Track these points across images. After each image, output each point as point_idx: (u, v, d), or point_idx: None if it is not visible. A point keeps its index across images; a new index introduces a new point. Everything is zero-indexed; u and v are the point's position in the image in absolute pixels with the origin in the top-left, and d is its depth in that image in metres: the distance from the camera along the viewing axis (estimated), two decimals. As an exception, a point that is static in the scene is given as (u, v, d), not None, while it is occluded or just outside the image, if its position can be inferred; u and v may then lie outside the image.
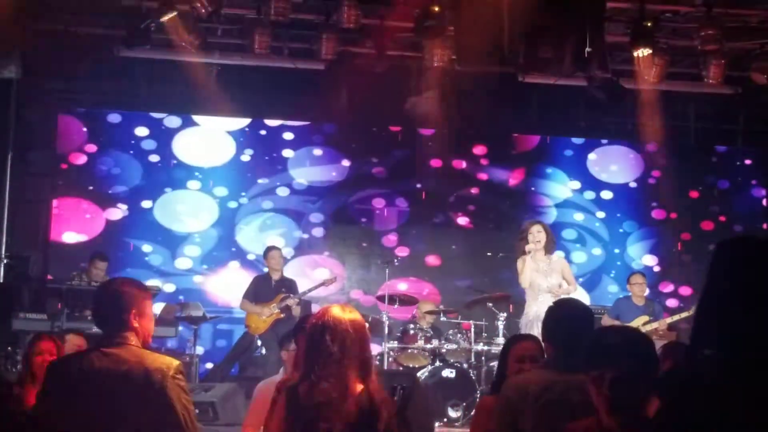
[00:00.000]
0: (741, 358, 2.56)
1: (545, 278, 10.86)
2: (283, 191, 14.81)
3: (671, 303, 14.55)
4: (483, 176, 15.18)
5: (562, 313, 4.97)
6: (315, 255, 14.69)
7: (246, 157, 14.79)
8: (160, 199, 14.48)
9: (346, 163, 14.95)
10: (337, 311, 4.46)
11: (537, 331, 9.56)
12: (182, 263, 14.35)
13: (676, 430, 2.66)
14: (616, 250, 15.20)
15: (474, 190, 15.16)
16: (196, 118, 14.69)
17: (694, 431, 2.60)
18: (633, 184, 15.50)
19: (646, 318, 12.24)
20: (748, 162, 15.47)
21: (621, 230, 15.30)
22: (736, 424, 2.52)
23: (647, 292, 12.87)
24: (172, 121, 14.69)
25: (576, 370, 3.96)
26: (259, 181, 14.82)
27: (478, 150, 15.25)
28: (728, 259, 2.74)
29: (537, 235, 10.95)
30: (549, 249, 11.04)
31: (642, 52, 11.92)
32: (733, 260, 2.73)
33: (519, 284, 11.02)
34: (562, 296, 10.09)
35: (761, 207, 15.46)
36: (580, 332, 4.55)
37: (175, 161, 14.60)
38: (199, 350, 12.96)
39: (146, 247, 14.31)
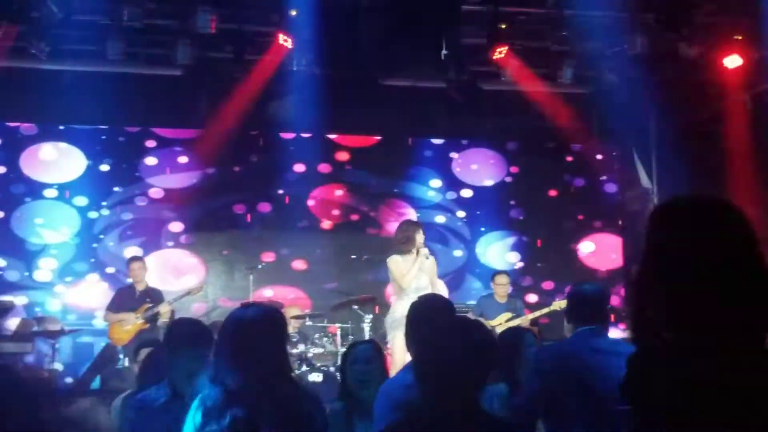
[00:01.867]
0: (700, 341, 2.42)
1: (416, 279, 10.90)
2: (143, 200, 14.49)
3: (533, 298, 14.75)
4: (345, 179, 15.14)
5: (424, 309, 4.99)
6: (178, 263, 14.42)
7: (105, 166, 14.42)
8: (17, 210, 14.02)
9: (207, 169, 14.71)
10: None
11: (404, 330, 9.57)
12: (39, 276, 13.90)
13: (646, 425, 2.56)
14: (478, 249, 15.33)
15: (338, 193, 15.10)
16: (52, 126, 14.27)
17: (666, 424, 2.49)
18: (493, 184, 15.65)
19: (509, 315, 12.39)
20: (599, 157, 15.75)
21: (482, 229, 15.43)
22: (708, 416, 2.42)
23: (510, 289, 13.02)
24: (28, 129, 14.25)
25: None
26: (118, 189, 14.46)
27: (341, 154, 15.19)
28: (667, 229, 2.57)
29: (420, 237, 11.02)
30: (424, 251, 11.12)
31: (498, 54, 12.04)
32: (673, 225, 2.56)
33: (394, 284, 11.01)
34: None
35: (615, 202, 15.79)
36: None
37: (27, 171, 14.15)
38: (59, 365, 12.56)
39: (0, 261, 13.85)
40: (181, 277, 14.26)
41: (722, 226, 2.51)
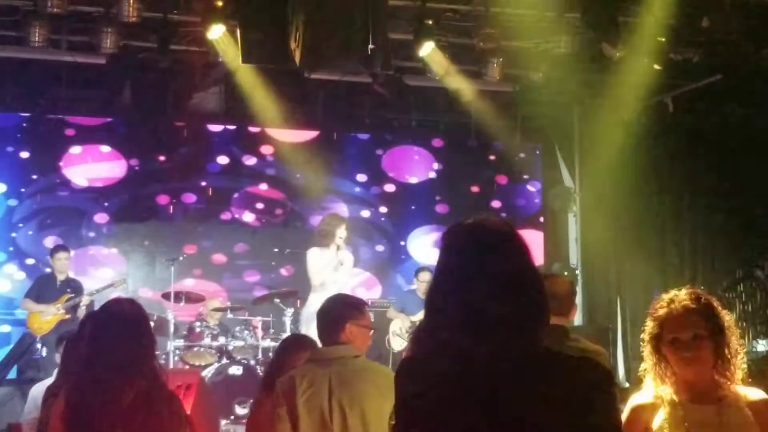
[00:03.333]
0: (479, 343, 2.61)
1: (334, 272, 10.94)
2: (64, 189, 14.30)
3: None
4: (270, 172, 15.08)
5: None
6: (98, 254, 14.24)
7: (25, 153, 14.19)
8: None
9: (130, 159, 14.56)
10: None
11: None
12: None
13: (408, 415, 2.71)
14: (402, 244, 15.37)
15: (261, 187, 15.03)
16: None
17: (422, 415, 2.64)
18: (416, 180, 15.72)
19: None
20: (522, 155, 15.88)
21: (407, 225, 15.48)
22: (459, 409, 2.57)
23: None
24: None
25: None
26: (36, 177, 14.24)
27: (265, 148, 15.13)
28: (457, 244, 2.80)
29: (343, 232, 11.05)
30: (344, 247, 11.17)
31: (424, 50, 12.08)
32: (453, 243, 2.79)
33: (309, 278, 11.03)
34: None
35: (537, 200, 15.94)
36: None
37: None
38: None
39: None
40: (101, 267, 14.08)
41: (501, 247, 2.73)
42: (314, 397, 4.79)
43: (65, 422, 4.25)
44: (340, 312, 5.13)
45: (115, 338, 4.31)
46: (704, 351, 3.94)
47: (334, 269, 10.95)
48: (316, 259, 10.99)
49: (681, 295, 4.04)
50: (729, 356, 3.97)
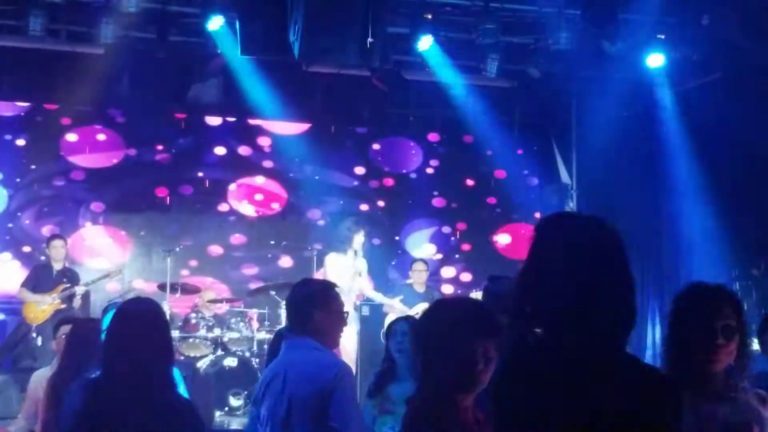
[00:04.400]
0: (565, 339, 2.60)
1: (352, 280, 11.05)
2: (61, 178, 14.31)
3: (449, 290, 14.87)
4: (268, 164, 15.09)
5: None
6: (94, 244, 14.25)
7: (22, 142, 14.20)
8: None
9: (128, 149, 14.58)
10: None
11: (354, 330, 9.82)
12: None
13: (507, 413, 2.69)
14: (396, 238, 15.38)
15: (259, 179, 15.04)
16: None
17: (522, 414, 2.63)
18: (414, 174, 15.75)
19: (426, 305, 12.47)
20: (519, 152, 15.91)
21: (403, 219, 15.49)
22: (561, 411, 2.56)
23: (426, 277, 13.16)
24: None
25: None
26: (35, 167, 14.25)
27: (263, 140, 15.15)
28: (548, 237, 2.76)
29: (361, 238, 11.15)
30: (361, 253, 11.27)
31: (422, 45, 12.10)
32: (553, 238, 2.75)
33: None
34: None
35: (535, 195, 15.95)
36: None
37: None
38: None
39: None
40: (97, 257, 14.10)
41: (594, 240, 2.71)
42: None
43: (80, 421, 4.25)
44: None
45: (133, 339, 4.29)
46: (733, 343, 3.88)
47: (351, 277, 11.03)
48: (335, 265, 11.09)
49: (714, 286, 4.00)
50: (747, 355, 3.94)
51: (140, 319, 4.37)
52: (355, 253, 11.14)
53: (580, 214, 2.82)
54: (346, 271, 11.03)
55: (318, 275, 12.87)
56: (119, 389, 4.18)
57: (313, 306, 4.87)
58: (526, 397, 2.62)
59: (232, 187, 14.93)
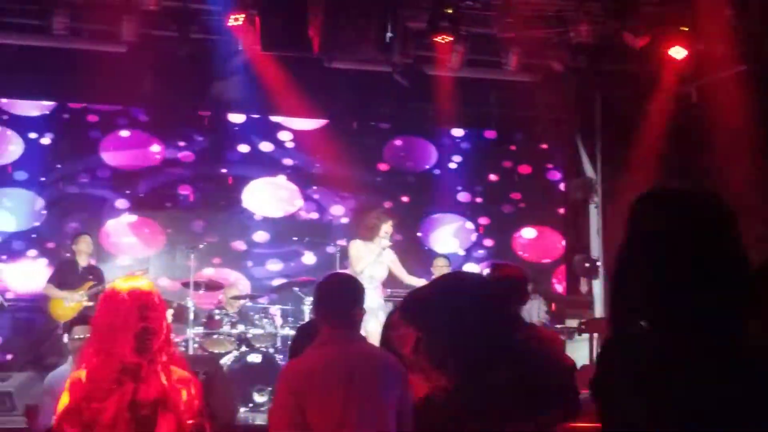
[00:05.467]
0: (677, 333, 2.41)
1: (378, 268, 11.07)
2: (86, 176, 14.44)
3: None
4: (290, 161, 15.15)
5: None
6: (119, 241, 14.36)
7: (44, 140, 14.33)
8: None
9: (152, 147, 14.68)
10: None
11: (378, 320, 9.83)
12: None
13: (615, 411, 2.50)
14: (419, 234, 15.38)
15: (280, 176, 15.12)
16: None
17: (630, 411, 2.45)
18: (436, 170, 15.77)
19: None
20: (544, 147, 15.91)
21: (425, 214, 15.51)
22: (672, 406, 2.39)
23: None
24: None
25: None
26: (60, 166, 14.39)
27: (284, 135, 15.21)
28: (651, 214, 2.58)
29: (389, 228, 11.16)
30: (389, 242, 11.30)
31: (443, 39, 12.12)
32: (656, 215, 2.57)
33: (350, 269, 11.12)
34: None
35: (558, 190, 15.94)
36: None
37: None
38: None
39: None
40: (122, 254, 14.22)
41: (698, 215, 2.53)
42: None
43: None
44: None
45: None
46: None
47: (374, 265, 11.05)
48: (356, 250, 11.10)
49: None
50: None
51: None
52: (382, 242, 11.14)
53: (681, 189, 2.60)
54: (370, 258, 11.03)
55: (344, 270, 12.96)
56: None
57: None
58: (637, 394, 2.42)
59: (251, 186, 14.98)
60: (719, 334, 2.38)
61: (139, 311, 4.20)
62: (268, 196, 15.05)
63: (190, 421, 4.21)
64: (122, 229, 14.46)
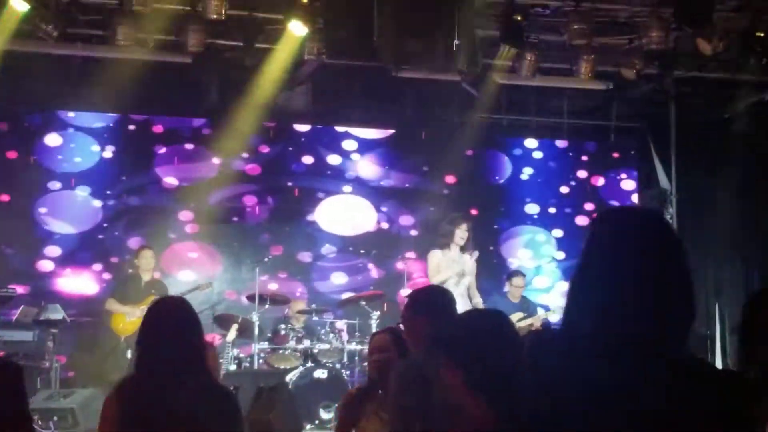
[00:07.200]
0: (611, 335, 2.47)
1: (459, 279, 10.88)
2: (151, 189, 14.45)
3: (545, 299, 14.67)
4: (355, 173, 15.06)
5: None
6: (183, 255, 14.37)
7: (108, 153, 14.38)
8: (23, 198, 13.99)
9: (216, 159, 14.66)
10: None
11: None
12: (43, 265, 13.87)
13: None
14: (491, 248, 15.19)
15: (346, 188, 15.03)
16: (59, 114, 14.28)
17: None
18: (507, 182, 15.59)
19: (521, 314, 12.38)
20: (616, 155, 15.69)
21: (495, 227, 15.34)
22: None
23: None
24: (33, 117, 14.24)
25: None
26: (125, 178, 14.42)
27: (350, 145, 15.12)
28: (602, 232, 2.69)
29: (464, 232, 10.98)
30: (466, 248, 11.10)
31: (512, 47, 11.99)
32: (608, 233, 2.67)
33: (430, 278, 11.00)
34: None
35: (631, 201, 15.70)
36: None
37: (34, 158, 14.14)
38: (60, 356, 12.52)
39: (4, 248, 13.81)
40: (186, 269, 14.21)
41: (644, 231, 2.63)
42: None
43: (120, 424, 4.30)
44: None
45: (167, 339, 4.37)
46: None
47: (458, 275, 10.86)
48: (437, 262, 10.93)
49: None
50: None
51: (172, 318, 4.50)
52: (460, 249, 10.97)
53: (634, 207, 2.71)
54: (450, 268, 10.85)
55: (412, 284, 12.85)
56: (155, 386, 4.31)
57: None
58: (555, 398, 2.49)
59: (321, 195, 14.90)
60: (662, 346, 2.48)
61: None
62: (342, 215, 14.92)
63: None
64: (186, 243, 14.43)
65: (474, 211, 15.04)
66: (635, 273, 2.52)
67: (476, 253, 11.25)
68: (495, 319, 3.59)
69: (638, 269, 2.53)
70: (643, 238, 2.59)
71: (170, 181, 14.50)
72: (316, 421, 10.98)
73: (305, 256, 14.66)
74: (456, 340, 3.39)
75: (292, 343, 11.94)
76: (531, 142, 15.62)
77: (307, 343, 11.90)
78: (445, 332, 3.57)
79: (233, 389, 4.87)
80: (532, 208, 15.48)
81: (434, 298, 5.26)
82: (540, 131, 15.37)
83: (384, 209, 15.01)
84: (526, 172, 15.61)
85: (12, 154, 14.08)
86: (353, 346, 11.92)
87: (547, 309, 13.32)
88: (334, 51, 11.31)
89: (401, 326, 5.40)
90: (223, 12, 11.50)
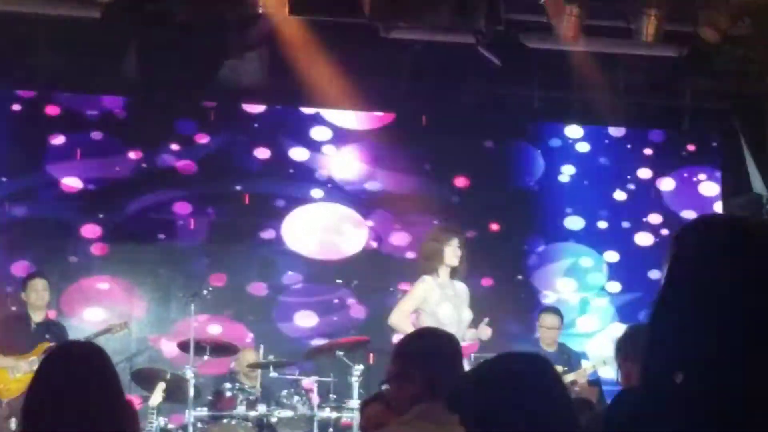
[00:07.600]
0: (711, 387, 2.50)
1: (456, 309, 10.91)
2: (42, 194, 14.49)
3: (593, 347, 14.70)
4: (329, 172, 15.16)
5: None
6: (90, 286, 14.41)
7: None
8: None
9: (135, 153, 14.69)
10: None
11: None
12: None
13: None
14: (519, 276, 15.25)
15: (316, 193, 15.15)
16: None
17: None
18: (539, 185, 15.73)
19: (559, 369, 12.43)
20: (691, 148, 15.82)
21: (524, 247, 15.43)
22: None
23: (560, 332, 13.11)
24: None
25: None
26: (5, 179, 14.42)
27: (323, 134, 15.24)
28: (693, 250, 2.69)
29: (457, 250, 11.02)
30: (460, 272, 11.14)
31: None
32: (700, 252, 2.67)
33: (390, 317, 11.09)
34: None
35: (713, 210, 15.77)
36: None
37: None
38: None
39: None
40: (93, 306, 14.23)
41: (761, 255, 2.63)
42: None
43: None
44: None
45: (69, 404, 4.35)
46: None
47: (455, 306, 10.92)
48: (424, 292, 10.97)
49: None
50: None
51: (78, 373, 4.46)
52: (451, 270, 11.04)
53: (730, 216, 2.75)
54: (442, 298, 10.92)
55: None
56: None
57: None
58: None
59: (281, 203, 14.98)
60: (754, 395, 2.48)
61: None
62: (311, 231, 15.01)
63: None
64: (93, 269, 14.47)
65: (495, 226, 15.17)
66: (743, 311, 2.53)
67: (487, 322, 11.35)
68: (538, 366, 3.75)
69: (750, 306, 2.54)
70: (757, 260, 2.59)
71: (70, 182, 14.54)
72: None
73: (259, 288, 14.73)
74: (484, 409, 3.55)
75: (241, 410, 11.99)
76: (574, 131, 15.73)
77: (262, 409, 11.96)
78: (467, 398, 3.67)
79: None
80: (575, 222, 15.59)
81: (435, 347, 5.31)
82: (586, 115, 15.42)
83: (369, 223, 15.09)
84: (567, 172, 15.71)
85: None
86: (326, 413, 11.99)
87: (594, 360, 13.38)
88: (301, 2, 11.40)
89: (386, 386, 5.44)
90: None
